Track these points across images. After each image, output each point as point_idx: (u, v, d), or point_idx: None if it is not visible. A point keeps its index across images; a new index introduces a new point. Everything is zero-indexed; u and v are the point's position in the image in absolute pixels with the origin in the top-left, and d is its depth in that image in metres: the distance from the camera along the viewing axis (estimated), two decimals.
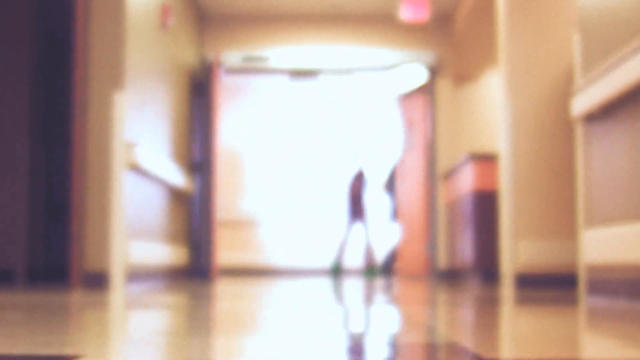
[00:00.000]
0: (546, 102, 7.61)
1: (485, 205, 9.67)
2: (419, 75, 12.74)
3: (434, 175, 12.49)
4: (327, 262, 14.39)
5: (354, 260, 14.58)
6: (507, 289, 7.21)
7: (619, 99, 4.78)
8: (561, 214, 7.50)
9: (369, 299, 5.19)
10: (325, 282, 9.52)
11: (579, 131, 5.63)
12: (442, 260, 12.39)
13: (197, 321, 3.18)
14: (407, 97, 13.28)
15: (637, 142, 4.49)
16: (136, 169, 8.32)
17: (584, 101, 5.38)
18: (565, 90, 7.64)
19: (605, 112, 5.05)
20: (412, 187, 13.19)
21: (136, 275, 8.27)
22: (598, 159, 5.22)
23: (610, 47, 4.97)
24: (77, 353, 2.10)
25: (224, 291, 6.50)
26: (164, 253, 9.74)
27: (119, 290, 6.61)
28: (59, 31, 9.77)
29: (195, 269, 11.79)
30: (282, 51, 12.51)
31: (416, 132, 13.11)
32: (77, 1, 7.86)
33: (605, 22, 5.05)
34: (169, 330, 2.79)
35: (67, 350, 2.15)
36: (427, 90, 12.62)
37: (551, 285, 7.43)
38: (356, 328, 2.87)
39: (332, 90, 14.55)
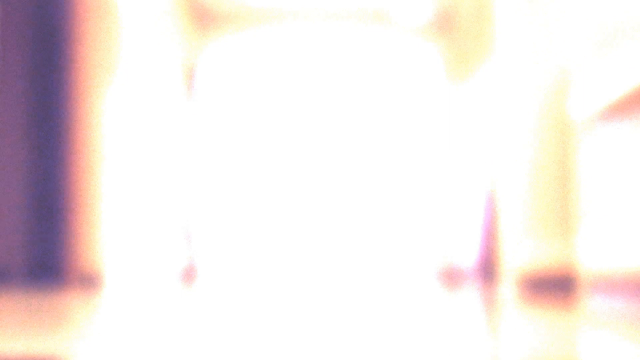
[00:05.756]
0: (548, 99, 7.58)
1: (490, 205, 9.63)
2: (421, 73, 12.71)
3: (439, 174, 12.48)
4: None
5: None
6: (507, 290, 7.19)
7: (621, 98, 4.73)
8: (562, 214, 7.46)
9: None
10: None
11: (579, 131, 5.59)
12: (441, 260, 12.36)
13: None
14: (408, 95, 13.25)
15: (637, 142, 4.45)
16: (130, 164, 8.28)
17: (583, 100, 5.35)
18: (567, 87, 7.60)
19: (606, 111, 5.01)
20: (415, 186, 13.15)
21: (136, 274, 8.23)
22: (598, 159, 5.18)
23: (613, 46, 4.93)
24: (59, 353, 2.06)
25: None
26: (164, 250, 9.69)
27: (112, 290, 6.57)
28: (54, 28, 9.73)
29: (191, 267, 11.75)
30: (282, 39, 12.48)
31: (417, 129, 13.08)
32: None
33: (609, 19, 5.00)
34: (155, 329, 2.75)
35: (50, 350, 2.11)
36: (428, 87, 12.60)
37: (553, 287, 7.39)
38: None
39: (333, 87, 14.53)
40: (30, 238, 8.98)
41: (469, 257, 10.70)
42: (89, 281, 7.58)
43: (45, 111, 9.62)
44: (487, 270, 9.59)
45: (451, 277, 11.98)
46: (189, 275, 11.64)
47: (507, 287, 7.49)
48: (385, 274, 14.26)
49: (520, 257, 7.46)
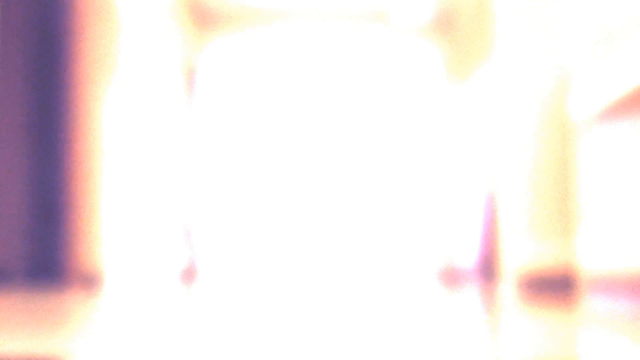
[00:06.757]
0: (548, 99, 7.57)
1: (490, 205, 9.62)
2: (421, 73, 12.70)
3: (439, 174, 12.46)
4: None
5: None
6: (507, 290, 7.19)
7: (621, 98, 4.73)
8: (562, 214, 7.45)
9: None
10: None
11: (579, 131, 5.58)
12: (441, 260, 12.36)
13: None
14: (408, 95, 13.25)
15: (637, 142, 4.45)
16: (130, 163, 8.27)
17: (583, 100, 5.34)
18: (567, 87, 7.60)
19: (605, 111, 5.00)
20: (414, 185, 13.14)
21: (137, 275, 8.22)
22: (598, 159, 5.18)
23: (612, 46, 4.92)
24: (59, 353, 2.06)
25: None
26: (159, 251, 9.69)
27: (112, 290, 6.57)
28: (54, 28, 9.73)
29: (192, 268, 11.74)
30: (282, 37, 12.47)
31: (418, 129, 13.07)
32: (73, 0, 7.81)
33: (608, 19, 5.00)
34: (155, 329, 2.74)
35: (50, 350, 2.11)
36: (428, 87, 12.59)
37: (553, 287, 7.39)
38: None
39: (334, 86, 14.53)
40: (30, 238, 8.98)
41: (469, 257, 10.70)
42: (89, 281, 7.58)
43: (45, 111, 9.61)
44: (487, 270, 9.58)
45: (451, 277, 11.97)
46: (189, 275, 11.63)
47: (507, 287, 7.49)
48: (385, 273, 14.27)
49: (520, 257, 7.46)
